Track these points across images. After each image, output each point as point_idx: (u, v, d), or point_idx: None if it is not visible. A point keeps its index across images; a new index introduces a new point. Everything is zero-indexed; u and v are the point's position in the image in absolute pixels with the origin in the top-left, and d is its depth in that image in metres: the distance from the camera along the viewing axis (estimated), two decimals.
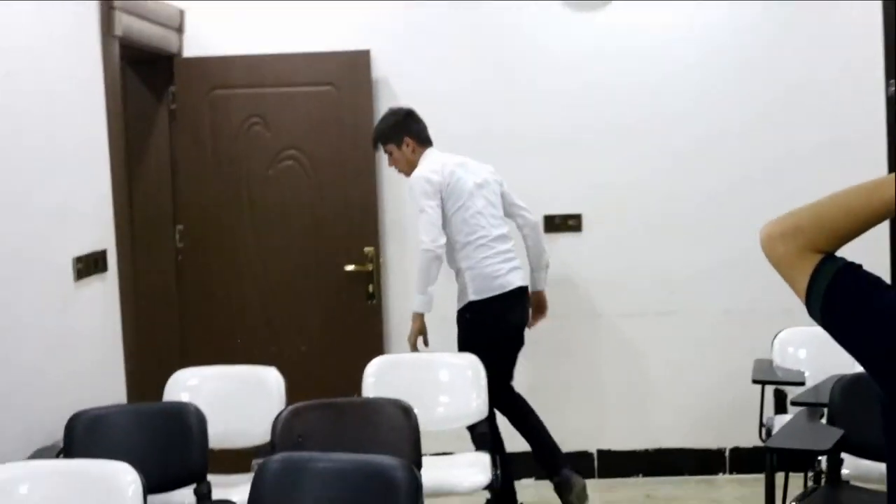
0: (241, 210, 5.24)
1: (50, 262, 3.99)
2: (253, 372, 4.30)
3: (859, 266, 1.60)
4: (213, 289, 5.30)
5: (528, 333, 4.76)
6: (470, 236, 4.60)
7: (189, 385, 4.21)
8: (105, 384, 4.39)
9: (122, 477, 2.98)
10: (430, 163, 4.65)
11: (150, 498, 3.79)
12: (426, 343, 4.69)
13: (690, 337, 5.33)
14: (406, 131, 4.68)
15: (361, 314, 5.20)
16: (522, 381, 5.24)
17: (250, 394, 4.18)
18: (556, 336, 5.28)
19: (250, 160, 5.24)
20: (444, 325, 4.72)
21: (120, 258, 4.54)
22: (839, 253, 1.60)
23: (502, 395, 4.59)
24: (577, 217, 5.33)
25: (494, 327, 4.62)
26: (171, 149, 5.30)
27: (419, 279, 4.56)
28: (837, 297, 1.58)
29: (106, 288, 4.44)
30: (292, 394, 4.13)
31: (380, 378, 4.29)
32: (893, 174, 1.59)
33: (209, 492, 3.65)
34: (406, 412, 3.65)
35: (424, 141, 4.72)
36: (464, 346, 4.59)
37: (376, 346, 5.05)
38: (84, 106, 4.33)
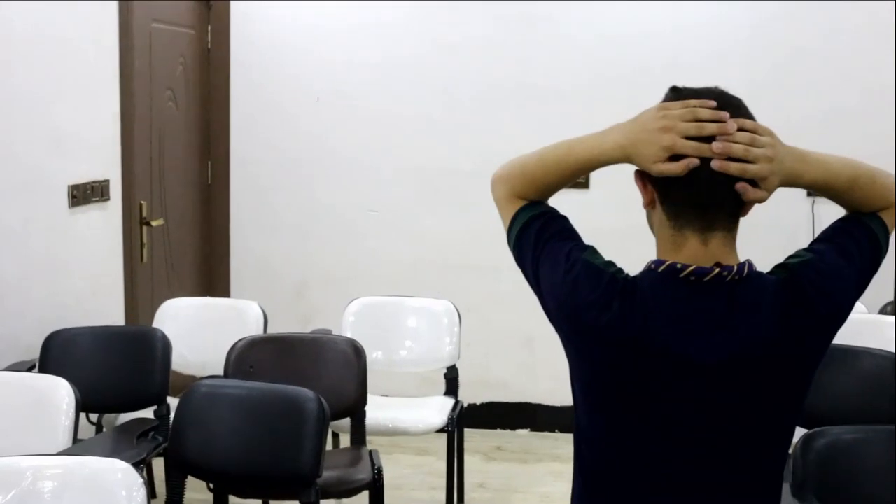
0: None
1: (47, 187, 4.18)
2: (234, 305, 4.45)
3: (554, 217, 1.71)
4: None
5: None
6: None
7: (174, 313, 4.38)
8: (103, 308, 4.58)
9: (57, 392, 3.15)
10: None
11: (121, 416, 4.04)
12: None
13: None
14: None
15: None
16: (525, 332, 5.31)
17: (229, 325, 4.32)
18: None
19: None
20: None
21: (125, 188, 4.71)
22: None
23: None
24: None
25: None
26: None
27: None
28: (524, 241, 1.71)
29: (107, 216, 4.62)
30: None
31: (359, 318, 4.41)
32: (595, 133, 1.66)
33: (168, 413, 3.81)
34: (357, 350, 3.75)
35: None
36: None
37: None
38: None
